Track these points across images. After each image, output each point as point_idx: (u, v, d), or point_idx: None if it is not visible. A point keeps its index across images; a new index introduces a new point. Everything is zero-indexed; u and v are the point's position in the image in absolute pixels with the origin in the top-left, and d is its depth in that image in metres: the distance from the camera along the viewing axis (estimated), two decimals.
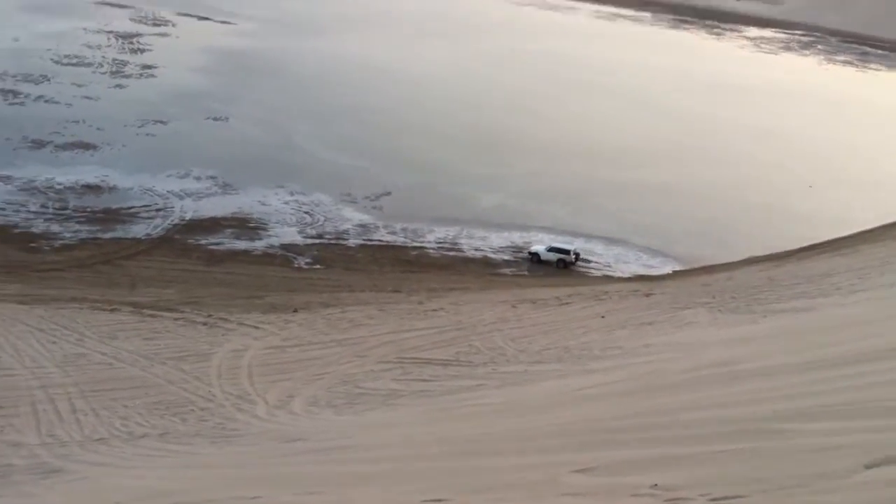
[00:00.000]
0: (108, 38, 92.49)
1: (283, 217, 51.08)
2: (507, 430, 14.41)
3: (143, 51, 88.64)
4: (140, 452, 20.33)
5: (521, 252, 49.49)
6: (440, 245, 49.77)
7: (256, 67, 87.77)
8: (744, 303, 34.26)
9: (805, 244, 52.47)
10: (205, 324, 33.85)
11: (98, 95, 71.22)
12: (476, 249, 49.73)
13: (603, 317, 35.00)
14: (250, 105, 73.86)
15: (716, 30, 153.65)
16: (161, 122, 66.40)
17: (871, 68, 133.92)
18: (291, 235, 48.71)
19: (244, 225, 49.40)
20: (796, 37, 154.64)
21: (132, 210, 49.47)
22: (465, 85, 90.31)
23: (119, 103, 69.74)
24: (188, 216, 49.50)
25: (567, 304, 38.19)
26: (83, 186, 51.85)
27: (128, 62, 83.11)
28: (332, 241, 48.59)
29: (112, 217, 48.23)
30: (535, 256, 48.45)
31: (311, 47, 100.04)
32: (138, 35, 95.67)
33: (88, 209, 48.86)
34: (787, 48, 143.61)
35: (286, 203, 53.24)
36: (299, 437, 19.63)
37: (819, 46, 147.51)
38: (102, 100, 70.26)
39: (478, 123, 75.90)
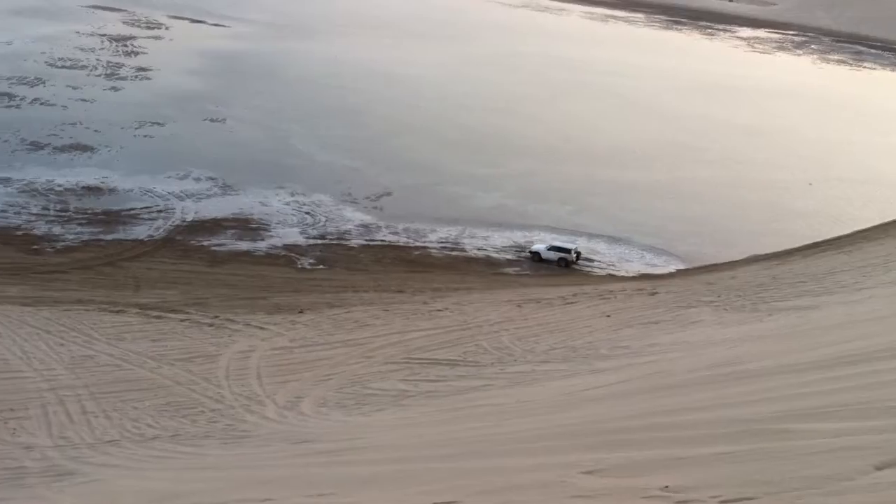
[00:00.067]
0: (102, 41, 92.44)
1: (285, 218, 51.17)
2: (516, 431, 14.49)
3: (137, 53, 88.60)
4: (151, 454, 20.47)
5: (523, 251, 49.60)
6: (442, 245, 49.88)
7: (252, 69, 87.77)
8: (749, 301, 34.41)
9: (807, 242, 52.62)
10: (211, 325, 33.97)
11: (94, 98, 71.18)
12: (478, 249, 49.84)
13: (608, 316, 35.14)
14: (247, 107, 73.86)
15: (709, 30, 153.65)
16: (158, 123, 66.43)
17: (865, 67, 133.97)
18: (293, 236, 48.80)
19: (246, 226, 49.49)
20: (789, 37, 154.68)
21: (133, 211, 49.56)
22: (462, 86, 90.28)
23: (115, 105, 69.76)
24: (189, 217, 49.57)
25: (572, 303, 38.31)
26: (83, 188, 51.92)
27: (123, 65, 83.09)
28: (335, 242, 48.68)
29: (113, 218, 48.31)
30: (535, 256, 48.52)
31: (308, 49, 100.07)
32: (132, 38, 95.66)
33: (89, 211, 48.93)
34: (781, 48, 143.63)
35: (287, 204, 53.35)
36: (309, 438, 19.77)
37: (813, 46, 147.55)
38: (98, 102, 70.21)
39: (475, 124, 75.93)
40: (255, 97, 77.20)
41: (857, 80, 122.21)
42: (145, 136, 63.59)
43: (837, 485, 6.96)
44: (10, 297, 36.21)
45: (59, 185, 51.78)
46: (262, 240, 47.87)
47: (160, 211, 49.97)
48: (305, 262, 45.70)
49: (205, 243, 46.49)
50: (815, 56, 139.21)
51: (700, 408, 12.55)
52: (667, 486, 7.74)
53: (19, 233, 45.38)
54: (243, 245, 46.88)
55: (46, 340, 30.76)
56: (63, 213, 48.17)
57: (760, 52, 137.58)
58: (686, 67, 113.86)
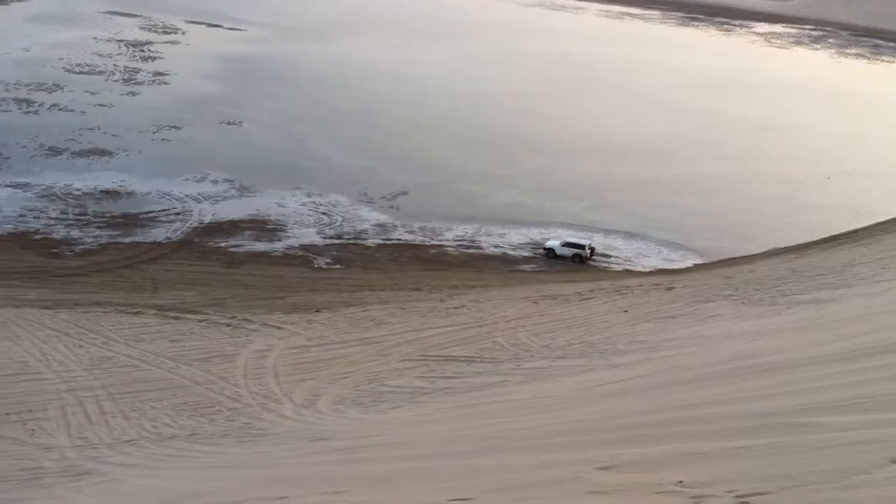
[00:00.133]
0: (119, 47, 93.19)
1: (301, 218, 51.33)
2: (533, 427, 14.45)
3: (154, 58, 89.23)
4: (169, 453, 20.55)
5: (539, 248, 49.52)
6: (459, 243, 49.87)
7: (268, 72, 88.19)
8: (767, 295, 34.17)
9: (825, 235, 52.25)
10: (228, 325, 34.09)
11: (111, 103, 71.82)
12: (495, 246, 49.80)
13: (625, 311, 34.99)
14: (263, 109, 74.22)
15: (725, 26, 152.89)
16: (175, 127, 66.85)
17: (883, 60, 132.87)
18: (310, 236, 48.94)
19: (263, 227, 49.69)
20: (807, 31, 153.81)
21: (151, 214, 49.86)
22: (474, 85, 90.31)
23: (133, 110, 70.33)
24: (207, 219, 49.82)
25: (589, 298, 38.17)
26: (101, 192, 52.29)
27: (140, 69, 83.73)
28: (351, 241, 48.79)
29: (131, 222, 48.62)
30: (550, 252, 48.43)
31: (319, 51, 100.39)
32: (149, 43, 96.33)
33: (108, 214, 49.29)
34: (799, 42, 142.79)
35: (303, 205, 53.52)
36: (326, 435, 19.79)
37: (830, 40, 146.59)
38: (116, 107, 70.85)
39: (489, 123, 75.96)
40: (269, 99, 77.59)
41: (875, 74, 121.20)
42: (162, 140, 64.01)
43: (853, 478, 6.90)
44: (30, 301, 36.50)
45: (78, 190, 52.18)
46: (279, 240, 48.02)
47: (178, 213, 50.26)
48: (322, 261, 45.80)
49: (222, 245, 46.70)
50: (832, 50, 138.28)
51: (718, 402, 12.48)
52: (681, 482, 7.71)
53: (38, 237, 45.77)
54: (260, 246, 47.06)
55: (65, 342, 30.98)
56: (81, 217, 48.53)
57: (777, 48, 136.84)
58: (702, 64, 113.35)
